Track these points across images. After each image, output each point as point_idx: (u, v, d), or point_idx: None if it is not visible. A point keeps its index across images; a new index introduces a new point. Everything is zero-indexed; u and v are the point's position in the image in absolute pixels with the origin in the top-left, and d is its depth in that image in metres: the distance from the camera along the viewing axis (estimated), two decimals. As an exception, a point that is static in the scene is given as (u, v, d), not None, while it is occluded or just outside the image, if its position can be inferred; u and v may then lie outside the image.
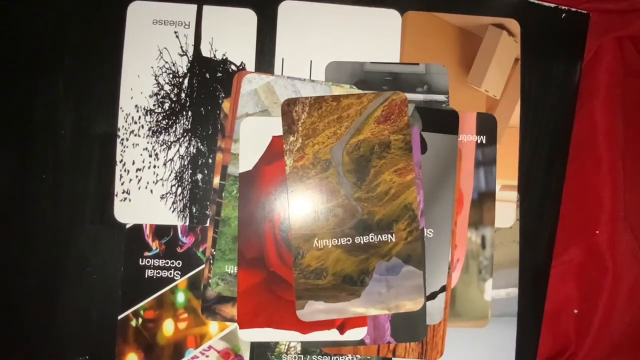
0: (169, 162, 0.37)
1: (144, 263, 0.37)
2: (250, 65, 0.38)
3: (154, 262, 0.37)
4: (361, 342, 0.36)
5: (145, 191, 0.37)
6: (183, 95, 0.37)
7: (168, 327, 0.37)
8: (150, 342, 0.37)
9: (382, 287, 0.35)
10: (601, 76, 0.42)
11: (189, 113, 0.37)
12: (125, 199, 0.37)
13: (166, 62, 0.37)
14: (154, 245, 0.37)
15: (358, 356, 0.38)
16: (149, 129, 0.37)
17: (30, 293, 0.37)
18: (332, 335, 0.35)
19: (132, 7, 0.37)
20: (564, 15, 0.40)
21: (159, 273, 0.37)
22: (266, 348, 0.37)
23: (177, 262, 0.37)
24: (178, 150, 0.37)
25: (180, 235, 0.37)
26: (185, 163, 0.37)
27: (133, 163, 0.37)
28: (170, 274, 0.37)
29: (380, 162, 0.35)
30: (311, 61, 0.38)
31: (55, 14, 0.37)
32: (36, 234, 0.37)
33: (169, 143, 0.37)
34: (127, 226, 0.37)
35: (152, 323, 0.37)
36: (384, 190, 0.35)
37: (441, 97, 0.38)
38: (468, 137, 0.38)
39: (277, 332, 0.35)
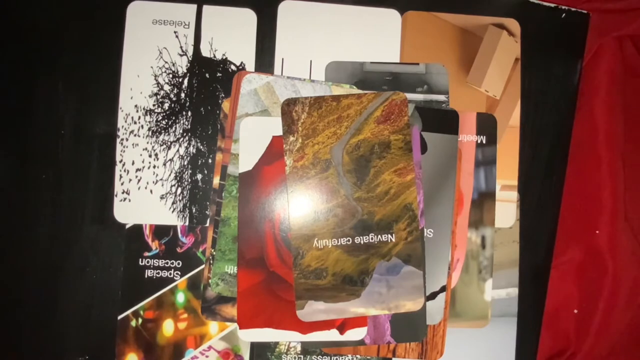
0: (169, 162, 0.37)
1: (143, 263, 0.37)
2: (250, 65, 0.38)
3: (153, 262, 0.37)
4: (361, 342, 0.36)
5: (145, 191, 0.37)
6: (183, 95, 0.37)
7: (168, 327, 0.37)
8: (150, 342, 0.37)
9: (382, 287, 0.35)
10: (601, 76, 0.42)
11: (189, 113, 0.37)
12: (125, 199, 0.37)
13: (166, 62, 0.37)
14: (154, 245, 0.37)
15: (358, 356, 0.38)
16: (149, 129, 0.37)
17: (30, 293, 0.37)
18: (332, 335, 0.35)
19: (132, 7, 0.37)
20: (564, 15, 0.40)
21: (158, 273, 0.37)
22: (266, 348, 0.37)
23: (177, 262, 0.37)
24: (178, 150, 0.37)
25: (180, 235, 0.37)
26: (185, 163, 0.37)
27: (133, 163, 0.37)
28: (170, 274, 0.37)
29: (380, 162, 0.35)
30: (311, 61, 0.38)
31: (55, 13, 0.37)
32: (36, 234, 0.37)
33: (169, 143, 0.37)
34: (127, 226, 0.37)
35: (152, 323, 0.37)
36: (384, 190, 0.35)
37: (441, 97, 0.38)
38: (468, 137, 0.38)
39: (277, 332, 0.35)
